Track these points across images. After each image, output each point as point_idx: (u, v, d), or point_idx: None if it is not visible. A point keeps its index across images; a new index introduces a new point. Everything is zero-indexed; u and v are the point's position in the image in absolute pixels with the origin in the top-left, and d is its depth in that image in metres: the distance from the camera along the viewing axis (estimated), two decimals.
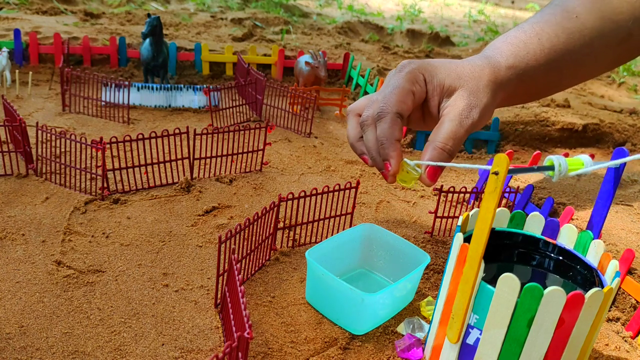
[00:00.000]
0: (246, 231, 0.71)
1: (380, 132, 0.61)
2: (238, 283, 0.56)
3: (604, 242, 0.93)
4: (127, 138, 0.94)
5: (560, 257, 0.63)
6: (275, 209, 0.79)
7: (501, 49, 0.67)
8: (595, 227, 0.81)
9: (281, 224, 0.88)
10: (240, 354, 0.49)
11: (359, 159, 1.23)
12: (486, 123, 0.70)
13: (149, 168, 1.02)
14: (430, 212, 0.93)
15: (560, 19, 0.68)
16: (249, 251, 0.73)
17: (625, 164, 0.78)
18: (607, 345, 0.69)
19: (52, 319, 0.64)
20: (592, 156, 1.34)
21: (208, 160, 1.09)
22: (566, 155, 0.61)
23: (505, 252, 0.65)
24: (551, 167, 0.51)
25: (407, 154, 1.30)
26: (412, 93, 0.61)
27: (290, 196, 0.81)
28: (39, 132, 0.96)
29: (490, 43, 0.71)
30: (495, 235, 0.63)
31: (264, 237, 0.77)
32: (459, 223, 0.59)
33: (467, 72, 0.62)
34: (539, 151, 1.11)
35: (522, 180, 1.20)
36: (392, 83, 0.61)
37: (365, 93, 1.68)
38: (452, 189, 0.92)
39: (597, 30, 0.68)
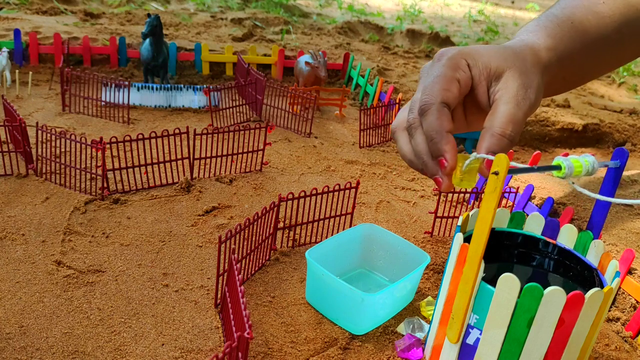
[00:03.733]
0: (246, 231, 0.71)
1: (428, 126, 0.54)
2: (238, 283, 0.56)
3: (604, 242, 0.93)
4: (127, 138, 0.94)
5: (560, 257, 0.63)
6: (275, 209, 0.79)
7: (536, 32, 0.63)
8: (595, 227, 0.81)
9: (281, 224, 0.88)
10: (240, 354, 0.49)
11: (359, 159, 1.23)
12: (539, 106, 0.65)
13: (149, 168, 1.02)
14: (430, 212, 0.93)
15: (588, 3, 0.66)
16: (249, 251, 0.73)
17: (625, 164, 0.78)
18: (607, 345, 0.69)
19: (52, 319, 0.64)
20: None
21: (208, 160, 1.09)
22: (566, 155, 0.60)
23: (505, 252, 0.65)
24: (557, 167, 0.51)
25: None
26: (457, 80, 0.55)
27: (290, 196, 0.81)
28: (39, 132, 0.96)
29: (521, 29, 0.67)
30: (495, 235, 0.63)
31: (264, 237, 0.77)
32: (459, 223, 0.59)
33: (510, 54, 0.57)
34: (539, 151, 1.11)
35: (522, 180, 1.20)
36: (433, 72, 0.55)
37: (366, 93, 1.68)
38: (452, 189, 0.92)
39: (625, 16, 0.66)
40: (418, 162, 0.57)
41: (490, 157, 0.51)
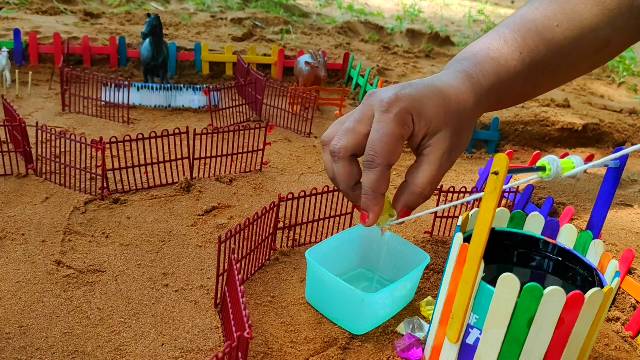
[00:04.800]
0: (246, 231, 0.71)
1: (367, 182, 0.57)
2: (238, 283, 0.56)
3: (604, 242, 0.93)
4: (127, 138, 0.94)
5: (560, 258, 0.63)
6: (275, 209, 0.79)
7: (483, 65, 0.63)
8: (595, 227, 0.81)
9: (281, 224, 0.88)
10: (240, 354, 0.49)
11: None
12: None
13: (149, 168, 1.02)
14: (430, 212, 0.93)
15: (542, 28, 0.65)
16: (249, 251, 0.73)
17: (625, 164, 0.78)
18: (607, 345, 0.69)
19: (52, 319, 0.64)
20: (592, 156, 1.34)
21: (208, 160, 1.09)
22: (565, 155, 0.60)
23: (505, 253, 0.65)
24: (543, 168, 0.51)
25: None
26: (402, 137, 0.57)
27: (290, 196, 0.81)
28: (39, 132, 0.96)
29: (470, 48, 0.67)
30: (495, 236, 0.63)
31: (264, 237, 0.77)
32: (459, 223, 0.59)
33: (453, 108, 0.59)
34: (539, 151, 1.11)
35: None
36: (381, 128, 0.56)
37: (366, 93, 1.68)
38: (452, 189, 0.92)
39: (576, 41, 0.66)
40: (338, 184, 0.61)
41: (396, 223, 0.60)
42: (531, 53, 0.64)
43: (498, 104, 0.67)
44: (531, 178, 0.54)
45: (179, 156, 1.09)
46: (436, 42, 2.81)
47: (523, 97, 0.70)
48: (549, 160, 0.50)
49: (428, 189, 0.58)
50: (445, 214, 0.94)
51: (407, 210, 0.60)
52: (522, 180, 0.55)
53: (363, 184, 0.58)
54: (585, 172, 1.27)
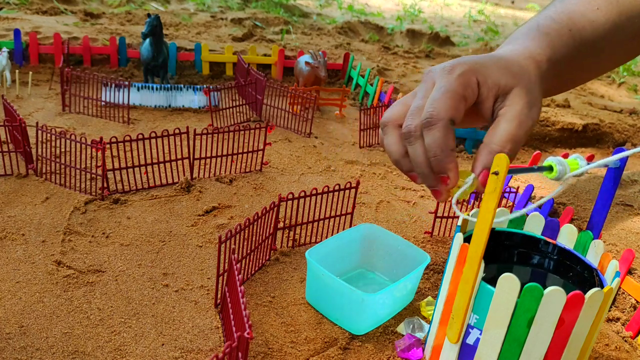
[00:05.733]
0: (246, 231, 0.71)
1: (432, 142, 0.53)
2: (238, 283, 0.56)
3: (604, 242, 0.93)
4: (127, 138, 0.94)
5: (560, 258, 0.63)
6: (275, 209, 0.79)
7: (538, 40, 0.62)
8: (595, 227, 0.81)
9: (281, 224, 0.88)
10: (240, 354, 0.49)
11: (359, 159, 1.23)
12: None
13: (149, 168, 1.02)
14: (430, 212, 0.93)
15: (584, 10, 0.66)
16: (249, 251, 0.73)
17: (625, 164, 0.78)
18: (607, 345, 0.69)
19: (52, 319, 0.64)
20: (592, 156, 1.34)
21: (208, 160, 1.09)
22: (565, 155, 0.60)
23: (505, 253, 0.65)
24: (548, 168, 0.51)
25: None
26: (465, 99, 0.54)
27: (290, 196, 0.81)
28: (39, 132, 0.96)
29: (521, 30, 0.66)
30: (495, 236, 0.63)
31: (264, 237, 0.77)
32: (459, 223, 0.59)
33: (517, 69, 0.57)
34: (539, 151, 1.11)
35: (522, 180, 1.20)
36: (443, 85, 0.54)
37: (366, 93, 1.68)
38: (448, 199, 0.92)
39: (616, 24, 0.66)
40: (407, 166, 0.57)
41: (479, 171, 0.52)
42: (579, 31, 0.64)
43: (555, 82, 0.65)
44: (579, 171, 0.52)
45: (179, 156, 1.09)
46: (436, 42, 2.81)
47: (571, 81, 0.69)
48: (556, 161, 0.50)
49: (508, 146, 0.53)
50: (445, 214, 0.94)
51: (486, 173, 0.54)
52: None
53: (428, 148, 0.54)
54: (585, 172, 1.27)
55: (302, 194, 0.82)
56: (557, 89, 0.70)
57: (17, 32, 1.61)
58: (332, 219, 0.90)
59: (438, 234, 0.93)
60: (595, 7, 0.66)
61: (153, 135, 0.95)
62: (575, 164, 0.51)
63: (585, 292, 0.50)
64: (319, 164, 1.18)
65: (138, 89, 1.40)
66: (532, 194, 1.06)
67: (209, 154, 1.09)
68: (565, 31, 0.64)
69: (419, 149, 0.55)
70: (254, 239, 0.74)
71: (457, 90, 0.54)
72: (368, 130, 1.31)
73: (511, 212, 0.73)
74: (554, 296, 0.49)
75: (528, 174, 0.93)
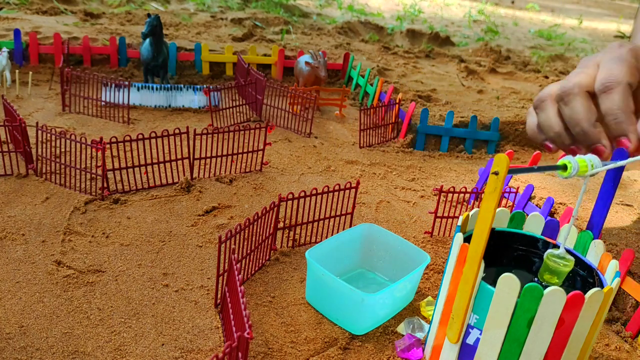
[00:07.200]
0: (246, 231, 0.71)
1: (612, 104, 0.52)
2: (238, 283, 0.56)
3: (604, 242, 0.93)
4: (127, 138, 0.94)
5: None
6: (275, 209, 0.79)
7: None
8: (595, 227, 0.81)
9: (281, 224, 0.88)
10: (240, 354, 0.49)
11: (359, 159, 1.23)
12: None
13: (149, 168, 1.02)
14: (430, 212, 0.93)
15: None
16: (249, 251, 0.73)
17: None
18: (607, 345, 0.69)
19: (52, 319, 0.64)
20: None
21: (208, 160, 1.09)
22: (563, 155, 0.60)
23: (505, 253, 0.65)
24: (562, 167, 0.51)
25: (408, 154, 1.30)
26: (638, 70, 0.54)
27: (290, 196, 0.81)
28: (39, 132, 0.96)
29: None
30: (495, 236, 0.63)
31: (264, 237, 0.77)
32: (459, 223, 0.59)
33: None
34: (538, 151, 1.11)
35: (522, 180, 1.20)
36: (616, 56, 0.53)
37: (366, 93, 1.68)
38: (452, 189, 0.92)
39: None
40: (567, 133, 0.56)
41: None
42: None
43: None
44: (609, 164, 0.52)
45: (179, 156, 1.09)
46: (436, 42, 2.81)
47: None
48: (570, 160, 0.51)
49: None
50: (445, 214, 0.94)
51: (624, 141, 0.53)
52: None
53: (608, 112, 0.53)
54: None
55: (302, 194, 0.82)
56: None
57: (17, 32, 1.61)
58: (332, 219, 0.90)
59: (438, 234, 0.93)
60: None
61: (153, 135, 0.95)
62: (584, 163, 0.51)
63: (585, 292, 0.50)
64: (319, 164, 1.18)
65: (138, 89, 1.40)
66: (532, 194, 1.06)
67: (209, 154, 1.09)
68: None
69: (579, 107, 0.54)
70: (254, 239, 0.74)
71: (630, 61, 0.53)
72: (368, 130, 1.31)
73: (511, 211, 0.73)
74: (554, 296, 0.49)
75: (528, 174, 0.93)
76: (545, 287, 0.56)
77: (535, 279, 0.59)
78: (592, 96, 0.55)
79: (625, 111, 0.52)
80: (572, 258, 0.55)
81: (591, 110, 0.54)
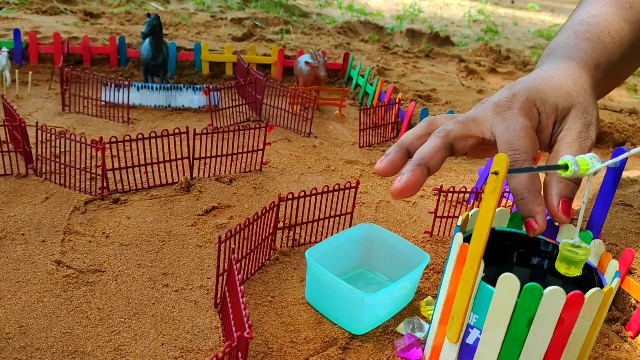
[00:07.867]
0: (246, 231, 0.71)
1: (518, 184, 0.51)
2: (238, 283, 0.56)
3: (604, 242, 0.93)
4: (127, 138, 0.94)
5: None
6: (275, 209, 0.79)
7: (581, 47, 0.61)
8: (595, 227, 0.81)
9: (281, 224, 0.88)
10: (240, 354, 0.49)
11: (359, 159, 1.23)
12: None
13: (149, 168, 1.02)
14: (430, 212, 0.93)
15: (617, 10, 0.65)
16: (249, 251, 0.73)
17: (625, 164, 0.78)
18: (607, 345, 0.69)
19: (52, 319, 0.64)
20: None
21: (208, 160, 1.09)
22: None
23: (505, 253, 0.65)
24: (563, 167, 0.51)
25: None
26: (533, 128, 0.52)
27: (290, 196, 0.81)
28: (39, 132, 0.96)
29: (559, 37, 0.65)
30: (495, 236, 0.63)
31: (264, 237, 0.77)
32: (459, 223, 0.59)
33: (572, 86, 0.55)
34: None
35: None
36: (512, 125, 0.51)
37: (366, 93, 1.68)
38: (452, 189, 0.92)
39: None
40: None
41: (557, 203, 0.52)
42: (617, 32, 0.64)
43: (604, 83, 0.64)
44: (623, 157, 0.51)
45: (179, 156, 1.09)
46: (436, 42, 2.81)
47: (617, 81, 0.68)
48: (570, 160, 0.50)
49: None
50: (445, 214, 0.94)
51: (566, 202, 0.52)
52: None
53: (515, 190, 0.51)
54: None
55: (302, 194, 0.82)
56: (604, 92, 0.68)
57: (17, 32, 1.61)
58: (332, 219, 0.90)
59: (438, 234, 0.93)
60: (628, 6, 0.65)
61: (153, 135, 0.95)
62: (584, 162, 0.51)
63: (585, 292, 0.50)
64: (319, 164, 1.18)
65: (138, 89, 1.40)
66: None
67: (209, 154, 1.09)
68: (605, 34, 0.63)
69: (429, 145, 0.54)
70: (253, 239, 0.74)
71: (526, 124, 0.52)
72: (368, 130, 1.31)
73: (511, 211, 0.73)
74: (554, 296, 0.49)
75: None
76: (567, 279, 0.56)
77: (548, 275, 0.58)
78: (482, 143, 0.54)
79: (532, 191, 0.51)
80: (588, 246, 0.53)
81: (436, 151, 0.54)
